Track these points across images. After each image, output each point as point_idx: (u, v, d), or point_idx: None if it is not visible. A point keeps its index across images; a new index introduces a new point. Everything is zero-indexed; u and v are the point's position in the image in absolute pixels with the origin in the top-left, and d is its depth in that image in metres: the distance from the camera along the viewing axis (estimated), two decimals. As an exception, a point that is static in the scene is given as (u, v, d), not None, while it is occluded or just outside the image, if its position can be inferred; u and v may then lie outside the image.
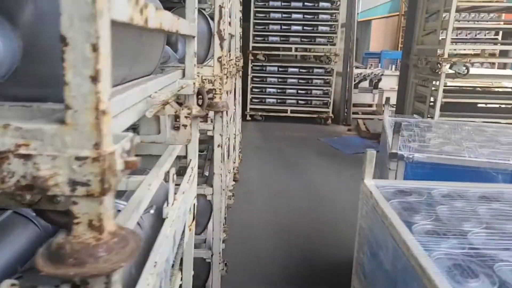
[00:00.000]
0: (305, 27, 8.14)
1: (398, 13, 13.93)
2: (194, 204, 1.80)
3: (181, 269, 1.92)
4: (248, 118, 9.04)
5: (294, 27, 8.14)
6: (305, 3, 8.00)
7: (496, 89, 5.71)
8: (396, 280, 1.08)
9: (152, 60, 1.21)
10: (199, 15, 1.99)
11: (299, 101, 8.80)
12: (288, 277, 2.96)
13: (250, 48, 8.31)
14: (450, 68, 4.62)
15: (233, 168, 4.99)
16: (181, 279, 1.63)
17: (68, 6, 0.45)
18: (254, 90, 8.76)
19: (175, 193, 1.36)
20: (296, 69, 8.58)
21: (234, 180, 4.94)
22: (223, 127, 2.00)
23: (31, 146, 0.48)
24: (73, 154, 0.49)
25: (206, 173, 2.73)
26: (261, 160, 6.18)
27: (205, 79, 1.87)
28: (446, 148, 2.04)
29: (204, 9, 2.72)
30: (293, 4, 8.00)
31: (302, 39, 8.27)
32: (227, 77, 2.97)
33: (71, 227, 0.49)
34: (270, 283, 2.86)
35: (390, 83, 9.23)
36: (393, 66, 10.77)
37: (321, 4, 8.00)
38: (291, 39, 8.22)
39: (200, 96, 2.04)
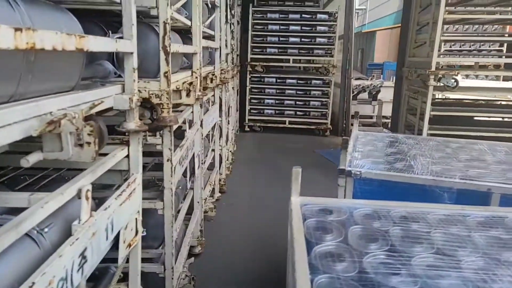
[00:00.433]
0: (303, 39, 8.18)
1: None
2: (136, 219, 1.81)
3: (127, 284, 1.93)
4: (247, 129, 9.06)
5: (292, 39, 8.18)
6: (303, 15, 8.05)
7: (497, 102, 5.60)
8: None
9: (66, 78, 1.24)
10: (149, 31, 2.03)
11: (297, 112, 8.79)
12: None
13: (249, 60, 8.37)
14: (438, 81, 4.57)
15: (220, 180, 5.00)
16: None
17: None
18: (252, 101, 8.80)
19: (95, 210, 1.38)
20: (294, 80, 8.59)
21: (220, 192, 4.95)
22: (172, 141, 2.01)
23: None
24: None
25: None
26: (253, 172, 6.16)
27: (152, 94, 1.89)
28: (398, 164, 2.01)
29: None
30: (290, 16, 8.06)
31: (300, 51, 8.30)
32: (202, 89, 3.00)
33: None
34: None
35: (390, 94, 9.15)
36: (394, 78, 10.68)
37: (319, 16, 8.04)
38: (289, 50, 8.26)
39: (154, 110, 2.07)
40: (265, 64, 8.38)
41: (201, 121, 3.25)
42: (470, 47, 7.35)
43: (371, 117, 9.65)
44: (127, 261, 1.81)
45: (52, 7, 1.17)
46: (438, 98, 5.25)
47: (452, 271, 1.03)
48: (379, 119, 9.29)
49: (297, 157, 7.02)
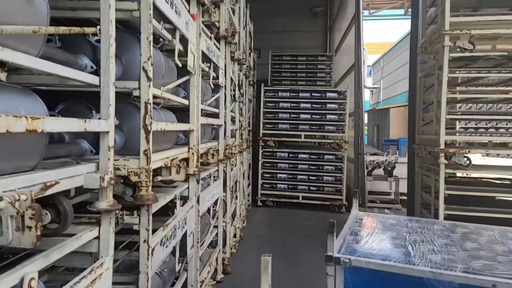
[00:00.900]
0: (313, 116, 8.36)
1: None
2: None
3: None
4: (260, 203, 8.88)
5: (303, 116, 8.37)
6: (313, 94, 8.33)
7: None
8: None
9: (23, 157, 1.21)
10: (136, 111, 2.06)
11: (311, 187, 8.62)
12: None
13: (261, 135, 8.53)
14: (450, 159, 4.41)
15: (224, 259, 4.73)
16: None
17: None
18: (265, 175, 8.75)
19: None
20: (307, 155, 8.58)
21: (224, 273, 4.65)
22: (149, 221, 1.91)
23: None
24: None
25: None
26: (262, 251, 5.79)
27: (131, 172, 1.86)
28: (394, 251, 1.81)
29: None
30: (301, 94, 8.36)
31: (311, 127, 8.43)
32: (199, 165, 2.97)
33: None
34: None
35: (405, 170, 8.93)
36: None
37: (328, 94, 8.30)
38: (300, 126, 8.40)
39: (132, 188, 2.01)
40: (277, 139, 8.50)
41: (198, 197, 3.16)
42: (486, 124, 7.26)
43: (388, 193, 9.32)
44: None
45: (13, 90, 1.19)
46: (454, 176, 5.04)
47: None
48: (397, 196, 8.94)
49: (308, 235, 6.67)
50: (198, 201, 3.17)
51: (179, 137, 3.07)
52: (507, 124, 7.02)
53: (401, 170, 9.10)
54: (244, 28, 6.71)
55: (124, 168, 1.85)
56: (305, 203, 8.59)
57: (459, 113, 5.65)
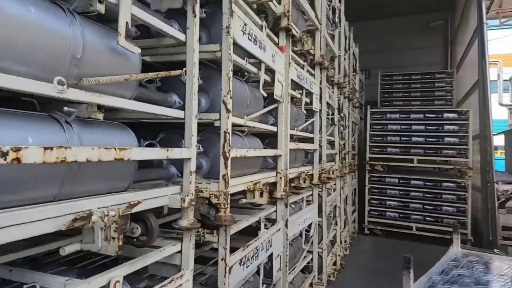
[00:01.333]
0: (428, 138, 7.63)
1: None
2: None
3: None
4: (366, 231, 8.40)
5: (415, 138, 7.73)
6: (427, 115, 7.64)
7: None
8: None
9: (116, 180, 1.50)
10: (219, 139, 2.27)
11: (426, 218, 7.80)
12: None
13: (367, 159, 8.16)
14: None
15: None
16: None
17: None
18: (372, 201, 8.29)
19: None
20: (421, 182, 7.84)
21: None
22: (227, 240, 2.06)
23: None
24: None
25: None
26: (362, 283, 5.49)
27: (212, 194, 2.06)
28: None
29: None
30: (412, 116, 7.76)
31: (426, 151, 7.70)
32: (287, 189, 3.07)
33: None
34: None
35: (552, 204, 7.35)
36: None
37: (446, 115, 7.49)
38: (412, 150, 7.76)
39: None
40: (385, 163, 8.01)
41: (286, 221, 3.23)
42: None
43: (529, 230, 7.77)
44: None
45: (110, 125, 1.50)
46: None
47: None
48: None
49: (422, 272, 6.00)
50: (286, 225, 3.24)
51: (268, 161, 3.23)
52: None
53: (546, 203, 7.54)
54: (346, 51, 6.67)
55: (206, 191, 2.06)
56: (419, 234, 7.78)
57: None
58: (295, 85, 3.54)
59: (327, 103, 4.68)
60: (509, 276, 1.86)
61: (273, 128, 3.03)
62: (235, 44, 2.14)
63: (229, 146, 2.04)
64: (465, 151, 7.45)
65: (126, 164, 1.52)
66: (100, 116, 1.38)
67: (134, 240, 1.73)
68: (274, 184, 3.11)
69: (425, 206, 7.80)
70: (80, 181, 1.32)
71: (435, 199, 7.71)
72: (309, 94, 3.93)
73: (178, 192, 1.86)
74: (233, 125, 2.35)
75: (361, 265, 6.23)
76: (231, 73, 2.06)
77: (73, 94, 1.23)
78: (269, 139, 3.30)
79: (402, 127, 7.82)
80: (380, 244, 7.69)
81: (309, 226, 4.11)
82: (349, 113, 6.83)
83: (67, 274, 1.45)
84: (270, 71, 2.86)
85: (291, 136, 3.58)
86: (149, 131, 2.32)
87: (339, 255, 5.82)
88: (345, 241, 6.76)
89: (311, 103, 4.01)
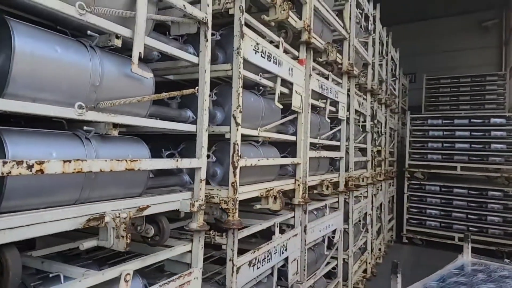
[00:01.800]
0: (473, 145, 7.27)
1: None
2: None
3: None
4: (405, 240, 8.17)
5: (458, 145, 7.40)
6: (472, 120, 7.28)
7: None
8: None
9: (130, 187, 1.74)
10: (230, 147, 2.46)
11: (470, 228, 7.43)
12: None
13: (407, 166, 7.94)
14: None
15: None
16: None
17: None
18: (411, 210, 8.05)
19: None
20: (465, 190, 7.48)
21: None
22: (234, 242, 2.24)
23: None
24: None
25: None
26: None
27: (222, 200, 2.26)
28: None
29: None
30: (456, 121, 7.42)
31: (470, 158, 7.34)
32: (305, 196, 3.19)
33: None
34: None
35: None
36: None
37: (493, 120, 7.09)
38: (456, 157, 7.43)
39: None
40: (425, 171, 7.74)
41: (305, 227, 3.34)
42: None
43: None
44: None
45: (125, 139, 1.75)
46: None
47: None
48: None
49: None
50: (305, 230, 3.35)
51: (287, 169, 3.37)
52: None
53: None
54: (384, 57, 6.57)
55: (217, 197, 2.27)
56: (462, 245, 7.41)
57: None
58: (319, 95, 3.63)
59: (356, 111, 4.69)
60: (510, 286, 1.84)
61: (292, 138, 3.16)
62: (247, 62, 2.32)
63: (238, 156, 2.22)
64: (514, 159, 7.01)
65: (139, 173, 1.76)
66: (115, 132, 1.63)
67: (149, 239, 1.98)
68: (293, 191, 3.25)
69: (469, 216, 7.44)
70: (97, 188, 1.57)
71: (480, 208, 7.33)
72: (334, 103, 4.00)
73: (189, 198, 2.08)
74: (248, 136, 2.53)
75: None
76: (240, 90, 2.24)
77: (91, 116, 1.48)
78: (291, 148, 3.43)
79: (445, 133, 7.51)
80: (418, 254, 7.45)
81: (334, 232, 4.17)
82: (386, 120, 6.72)
83: (88, 266, 1.72)
84: (290, 83, 2.99)
85: (314, 144, 3.68)
86: (172, 142, 2.57)
87: (369, 263, 5.76)
88: (379, 250, 6.65)
89: (336, 111, 4.07)
